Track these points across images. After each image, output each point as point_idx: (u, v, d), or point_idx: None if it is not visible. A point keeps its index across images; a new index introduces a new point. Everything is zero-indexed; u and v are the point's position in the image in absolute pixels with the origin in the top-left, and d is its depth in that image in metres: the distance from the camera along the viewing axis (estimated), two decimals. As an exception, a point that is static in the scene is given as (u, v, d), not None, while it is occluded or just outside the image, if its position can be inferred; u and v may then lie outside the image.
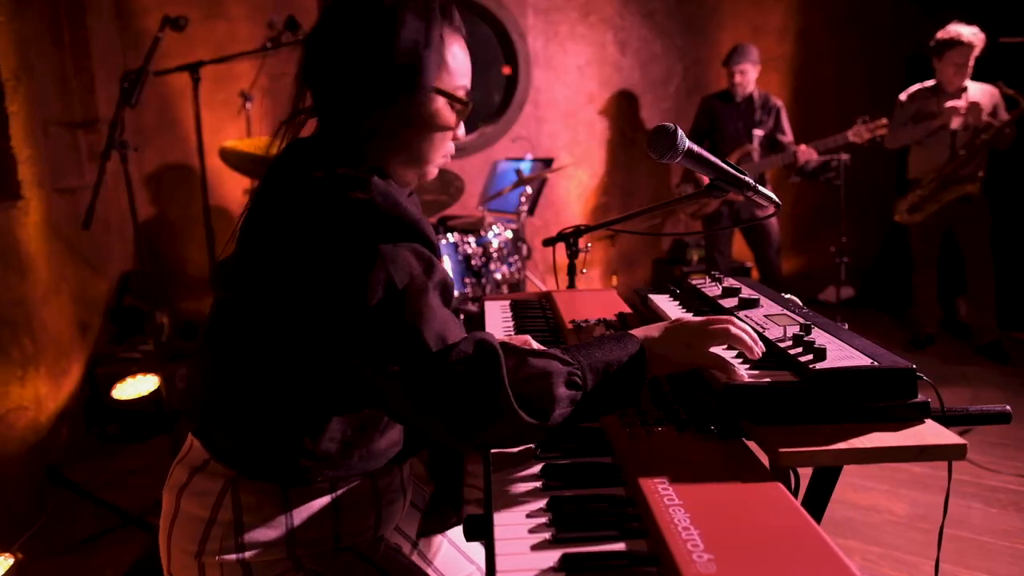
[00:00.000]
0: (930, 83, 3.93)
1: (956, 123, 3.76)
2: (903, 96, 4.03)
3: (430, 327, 0.89)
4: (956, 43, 3.71)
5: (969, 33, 3.70)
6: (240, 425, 1.01)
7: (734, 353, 1.07)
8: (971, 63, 3.73)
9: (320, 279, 0.91)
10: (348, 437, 1.02)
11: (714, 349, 1.03)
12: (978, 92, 3.81)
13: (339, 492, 1.05)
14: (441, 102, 1.03)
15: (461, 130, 1.10)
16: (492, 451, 1.01)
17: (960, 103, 3.72)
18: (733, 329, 1.02)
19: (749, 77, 4.22)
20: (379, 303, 0.89)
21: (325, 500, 1.04)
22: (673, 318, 1.09)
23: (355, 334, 0.90)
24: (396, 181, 1.08)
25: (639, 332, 1.05)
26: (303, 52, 1.05)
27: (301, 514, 1.02)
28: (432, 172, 1.10)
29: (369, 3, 1.00)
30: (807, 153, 4.01)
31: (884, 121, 3.89)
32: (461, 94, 1.05)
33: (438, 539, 1.29)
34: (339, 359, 0.95)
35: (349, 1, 1.01)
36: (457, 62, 1.04)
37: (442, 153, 1.09)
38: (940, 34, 3.79)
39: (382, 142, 1.03)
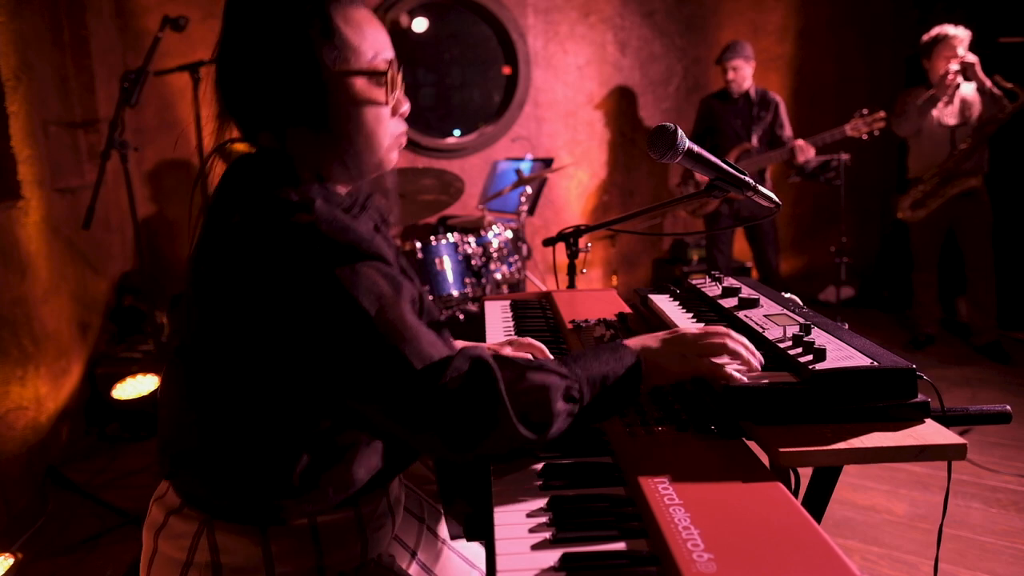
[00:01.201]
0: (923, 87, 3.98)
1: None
2: (901, 93, 4.07)
3: (412, 348, 0.86)
4: (942, 38, 3.80)
5: (954, 28, 3.79)
6: (209, 468, 0.97)
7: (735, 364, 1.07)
8: (959, 60, 3.75)
9: (282, 319, 0.87)
10: (319, 470, 0.97)
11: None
12: (972, 90, 3.83)
13: (319, 526, 1.00)
14: (360, 83, 0.97)
15: (406, 106, 1.04)
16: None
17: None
18: (731, 343, 1.04)
19: (742, 73, 4.21)
20: (352, 333, 0.85)
21: (305, 535, 1.00)
22: (673, 319, 1.09)
23: (334, 368, 0.87)
24: (349, 181, 1.04)
25: (636, 342, 1.05)
26: (215, 86, 1.00)
27: (280, 552, 0.98)
28: (387, 159, 1.04)
29: (245, 25, 0.96)
30: (805, 149, 4.00)
31: (882, 114, 3.89)
32: (380, 65, 0.99)
33: (439, 545, 1.27)
34: (309, 393, 0.92)
35: (235, 23, 0.97)
36: (362, 36, 0.98)
37: (387, 134, 1.02)
38: (926, 36, 3.89)
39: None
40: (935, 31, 3.84)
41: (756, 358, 1.05)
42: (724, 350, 1.03)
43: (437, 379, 0.86)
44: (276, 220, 0.88)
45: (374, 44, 0.99)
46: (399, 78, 1.02)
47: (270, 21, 0.94)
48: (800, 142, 4.00)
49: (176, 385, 1.01)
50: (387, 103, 1.01)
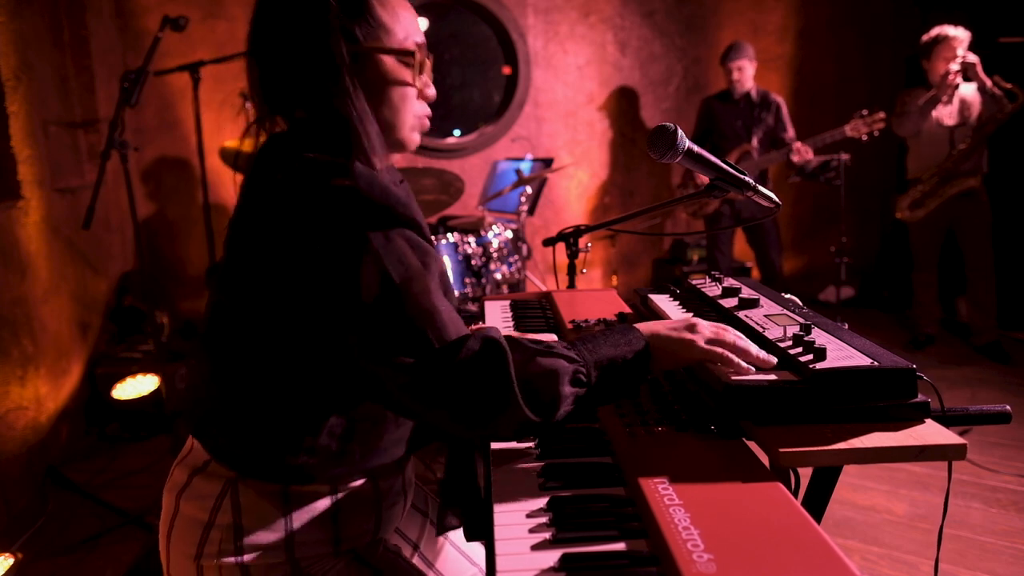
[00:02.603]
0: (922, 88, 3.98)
1: (949, 119, 3.77)
2: (901, 93, 4.07)
3: (433, 323, 0.89)
4: (942, 38, 3.80)
5: (953, 29, 3.78)
6: (239, 423, 1.00)
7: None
8: (959, 60, 3.75)
9: (312, 275, 0.90)
10: (348, 432, 1.00)
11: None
12: (970, 90, 3.83)
13: (339, 495, 1.04)
14: (390, 62, 1.01)
15: (431, 89, 1.08)
16: (492, 449, 1.01)
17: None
18: (740, 343, 1.02)
19: (746, 73, 4.21)
20: (377, 298, 0.87)
21: (325, 503, 1.03)
22: (676, 319, 1.09)
23: (355, 330, 0.89)
24: (375, 154, 1.06)
25: (646, 326, 1.05)
26: (248, 60, 1.04)
27: (300, 517, 1.01)
28: (410, 138, 1.07)
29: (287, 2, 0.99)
30: (803, 151, 4.00)
31: (881, 115, 3.89)
32: (410, 46, 1.02)
33: (440, 541, 1.28)
34: (336, 353, 0.94)
35: (265, 8, 1.01)
36: (396, 18, 1.02)
37: (411, 114, 1.06)
38: (925, 36, 3.88)
39: None
40: (935, 32, 3.84)
41: (764, 357, 1.02)
42: (732, 348, 1.02)
43: (452, 357, 0.88)
44: (317, 180, 0.91)
45: (406, 27, 1.03)
46: (428, 63, 1.07)
47: (311, 5, 0.96)
48: (798, 144, 4.01)
49: (212, 345, 1.04)
50: (414, 84, 1.04)
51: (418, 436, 1.11)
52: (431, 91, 1.08)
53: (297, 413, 0.98)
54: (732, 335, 1.04)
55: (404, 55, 1.02)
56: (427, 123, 1.10)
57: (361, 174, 0.91)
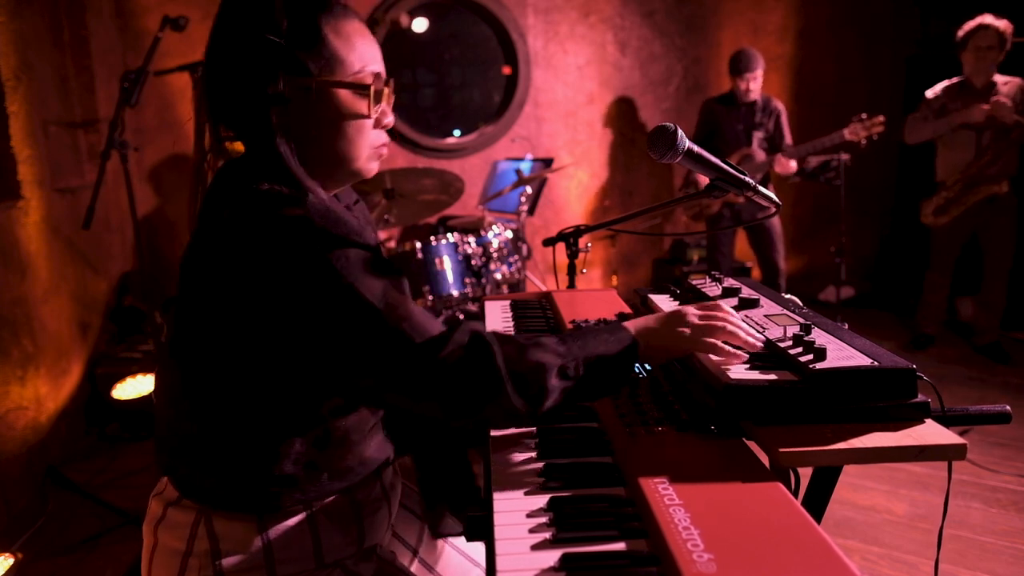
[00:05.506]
0: (958, 79, 3.83)
1: (980, 115, 3.64)
2: (930, 92, 3.92)
3: (410, 324, 0.90)
4: (980, 28, 3.65)
5: (993, 18, 3.63)
6: (206, 461, 1.00)
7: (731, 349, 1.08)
8: (1000, 52, 3.63)
9: (278, 307, 0.89)
10: (313, 458, 1.00)
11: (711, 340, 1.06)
12: (1007, 86, 3.70)
13: (315, 510, 1.04)
14: (344, 94, 1.00)
15: (389, 118, 1.06)
16: (492, 448, 1.02)
17: (985, 106, 3.61)
18: (729, 326, 1.06)
19: (760, 83, 4.20)
20: (351, 315, 0.88)
21: (301, 519, 1.02)
22: (665, 310, 1.11)
23: (334, 349, 0.90)
24: (330, 187, 1.07)
25: (635, 323, 1.07)
26: (203, 89, 1.02)
27: (278, 536, 1.01)
28: (367, 168, 1.06)
29: (239, 23, 0.98)
30: (784, 165, 4.00)
31: (881, 119, 3.87)
32: (365, 78, 1.01)
33: (440, 544, 1.28)
34: (305, 378, 0.95)
35: (221, 28, 1.00)
36: (351, 48, 1.00)
37: (368, 145, 1.04)
38: (964, 27, 3.71)
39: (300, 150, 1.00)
40: (974, 21, 3.66)
41: (754, 339, 1.06)
42: (723, 333, 1.05)
43: (438, 351, 0.89)
44: (267, 213, 0.90)
45: (362, 57, 1.01)
46: (386, 91, 1.05)
47: (258, 29, 0.96)
48: (779, 156, 4.01)
49: (171, 382, 1.03)
50: (370, 115, 1.03)
51: (387, 450, 1.11)
52: (389, 119, 1.06)
53: (262, 448, 0.98)
54: (721, 318, 1.07)
55: (358, 88, 1.00)
56: (385, 152, 1.09)
57: (313, 206, 0.91)
